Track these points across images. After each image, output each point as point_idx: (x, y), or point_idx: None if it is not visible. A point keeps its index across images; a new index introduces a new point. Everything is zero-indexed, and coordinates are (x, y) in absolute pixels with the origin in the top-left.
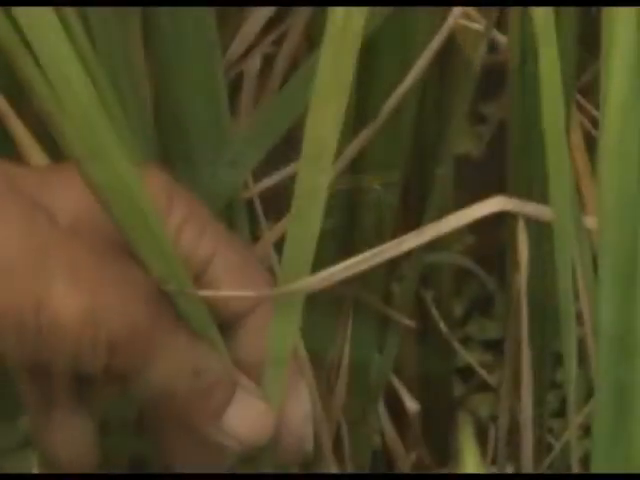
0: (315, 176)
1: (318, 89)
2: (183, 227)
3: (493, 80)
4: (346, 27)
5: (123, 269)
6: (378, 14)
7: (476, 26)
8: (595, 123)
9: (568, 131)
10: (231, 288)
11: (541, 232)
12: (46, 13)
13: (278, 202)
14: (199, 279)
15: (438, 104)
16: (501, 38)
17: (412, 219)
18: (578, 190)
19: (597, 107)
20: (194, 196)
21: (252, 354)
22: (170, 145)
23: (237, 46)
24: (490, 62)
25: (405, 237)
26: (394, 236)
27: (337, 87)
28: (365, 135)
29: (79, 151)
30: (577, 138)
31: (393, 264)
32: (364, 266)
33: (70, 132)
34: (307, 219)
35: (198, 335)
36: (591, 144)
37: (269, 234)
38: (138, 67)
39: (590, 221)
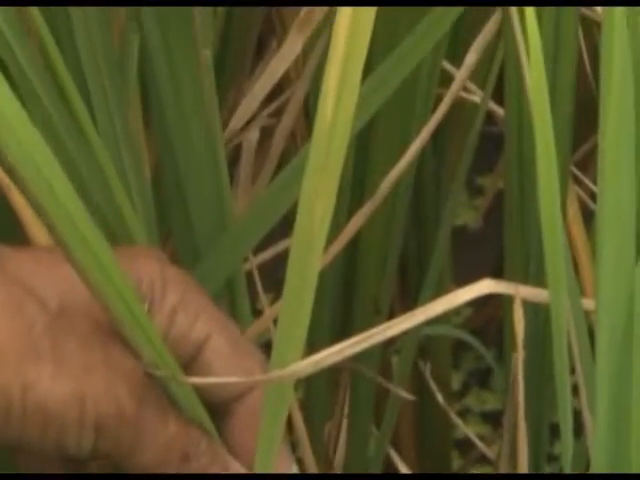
0: (306, 264)
1: (306, 186)
2: (177, 310)
3: (490, 151)
4: (335, 123)
5: (111, 353)
6: (369, 107)
7: (473, 98)
8: (593, 196)
9: (564, 203)
10: (223, 373)
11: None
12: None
13: (277, 272)
14: (192, 363)
15: (436, 175)
16: (498, 110)
17: (410, 289)
18: (575, 264)
19: (594, 181)
20: (190, 277)
21: (245, 438)
22: (171, 220)
23: (237, 120)
24: (487, 133)
25: (396, 320)
26: (392, 305)
27: (327, 181)
28: (362, 214)
29: (60, 235)
30: (574, 210)
31: (391, 337)
32: (356, 349)
33: (50, 217)
34: (299, 304)
35: (189, 419)
36: (588, 217)
37: (269, 311)
38: (138, 143)
39: (588, 303)
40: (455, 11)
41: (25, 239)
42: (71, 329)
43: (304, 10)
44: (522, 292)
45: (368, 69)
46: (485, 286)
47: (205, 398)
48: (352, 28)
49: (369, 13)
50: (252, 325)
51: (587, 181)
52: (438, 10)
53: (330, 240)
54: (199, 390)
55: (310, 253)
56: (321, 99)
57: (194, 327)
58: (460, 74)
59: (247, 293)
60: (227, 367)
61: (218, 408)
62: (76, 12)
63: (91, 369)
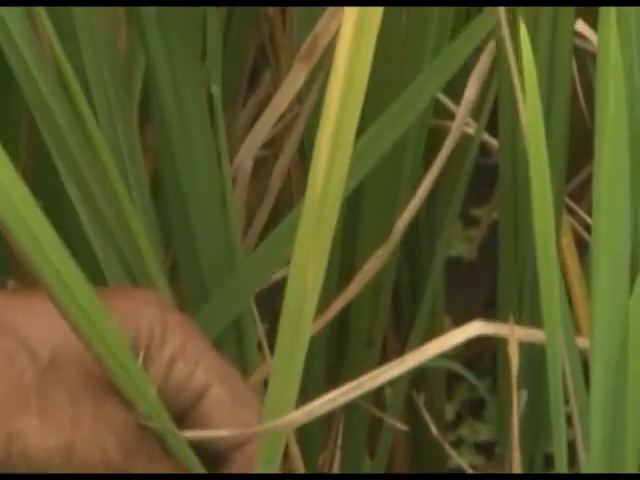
0: (297, 329)
1: (297, 251)
2: (177, 358)
3: (485, 183)
4: (325, 191)
5: (101, 405)
6: (357, 174)
7: (468, 130)
8: (587, 228)
9: (559, 235)
10: (222, 424)
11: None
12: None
13: (274, 301)
14: (192, 410)
15: (430, 206)
16: (492, 141)
17: (404, 319)
18: (569, 294)
19: (589, 212)
20: (192, 322)
21: None
22: (178, 257)
23: (243, 153)
24: (482, 165)
25: (387, 366)
26: (386, 334)
27: (318, 246)
28: (351, 291)
29: (48, 288)
30: (568, 241)
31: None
32: (349, 396)
33: (37, 269)
34: (289, 367)
35: (183, 467)
36: (583, 248)
37: (271, 359)
38: (143, 188)
39: (583, 341)
40: (444, 77)
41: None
42: (61, 381)
43: (307, 42)
44: (517, 333)
45: (358, 131)
46: (477, 327)
47: (204, 447)
48: (345, 89)
49: (363, 74)
50: (256, 372)
51: (581, 212)
52: (426, 73)
53: (321, 305)
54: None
55: (301, 318)
56: (312, 169)
57: (194, 375)
58: (461, 111)
59: (255, 332)
60: (226, 418)
61: (218, 456)
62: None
63: (79, 421)
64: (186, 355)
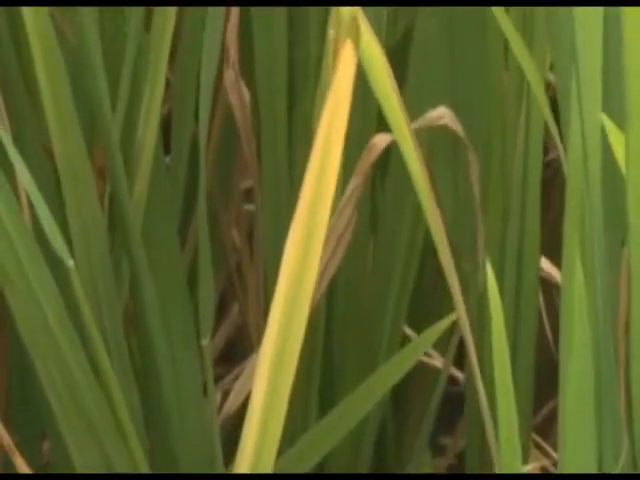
0: None
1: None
2: None
3: (452, 412)
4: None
5: None
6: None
7: (435, 363)
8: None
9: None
10: None
11: None
12: None
13: None
14: None
15: (399, 435)
16: (459, 374)
17: None
18: None
19: (555, 447)
20: None
21: None
22: None
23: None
24: (449, 394)
25: None
26: None
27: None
28: None
29: None
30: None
31: None
32: None
33: None
34: None
35: None
36: None
37: None
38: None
39: None
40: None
41: None
42: None
43: None
44: None
45: None
46: None
47: None
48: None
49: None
50: None
51: (547, 446)
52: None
53: None
54: None
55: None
56: None
57: None
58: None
59: None
60: None
61: None
62: None
63: None
64: None
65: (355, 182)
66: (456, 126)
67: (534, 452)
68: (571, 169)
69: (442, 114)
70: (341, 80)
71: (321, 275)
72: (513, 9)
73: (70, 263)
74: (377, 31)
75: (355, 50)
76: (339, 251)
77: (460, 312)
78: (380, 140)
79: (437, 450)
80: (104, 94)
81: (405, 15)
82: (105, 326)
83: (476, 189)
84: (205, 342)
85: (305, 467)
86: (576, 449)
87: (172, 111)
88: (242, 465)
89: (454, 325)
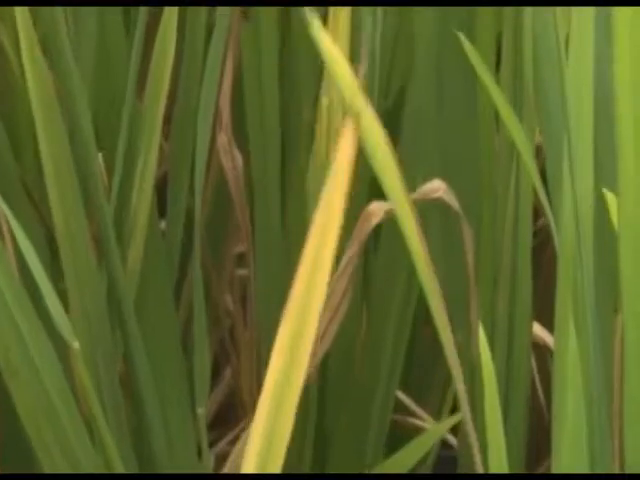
0: None
1: None
2: None
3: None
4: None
5: None
6: None
7: (427, 425)
8: None
9: None
10: None
11: None
12: None
13: None
14: None
15: None
16: (451, 438)
17: None
18: None
19: None
20: None
21: None
22: None
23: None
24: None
25: None
26: None
27: None
28: None
29: None
30: None
31: None
32: None
33: None
34: None
35: None
36: None
37: None
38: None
39: None
40: None
41: None
42: None
43: None
44: None
45: None
46: None
47: None
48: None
49: None
50: None
51: None
52: None
53: None
54: None
55: None
56: None
57: None
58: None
59: None
60: None
61: None
62: None
63: None
64: None
65: (351, 252)
66: (451, 200)
67: None
68: (563, 234)
69: (437, 187)
70: (339, 169)
71: (315, 350)
72: (503, 79)
73: (75, 345)
74: (370, 93)
75: (356, 132)
76: (334, 324)
77: (459, 385)
78: (376, 209)
79: None
80: (97, 167)
81: (398, 78)
82: (105, 404)
83: (470, 258)
84: (200, 410)
85: None
86: None
87: (167, 176)
88: None
89: (447, 390)
